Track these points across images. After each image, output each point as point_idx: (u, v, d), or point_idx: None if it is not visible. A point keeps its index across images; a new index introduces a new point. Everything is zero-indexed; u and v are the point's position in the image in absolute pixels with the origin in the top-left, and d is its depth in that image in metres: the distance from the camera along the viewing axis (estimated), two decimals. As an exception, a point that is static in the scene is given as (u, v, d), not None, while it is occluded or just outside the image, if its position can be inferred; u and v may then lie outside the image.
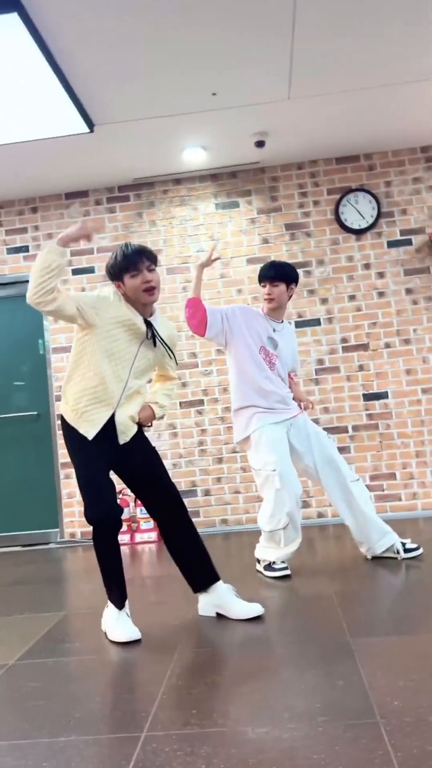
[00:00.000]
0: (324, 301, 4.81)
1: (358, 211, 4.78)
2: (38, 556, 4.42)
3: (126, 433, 2.50)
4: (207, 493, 4.70)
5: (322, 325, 4.79)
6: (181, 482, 4.74)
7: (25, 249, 5.04)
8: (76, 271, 4.98)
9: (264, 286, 3.26)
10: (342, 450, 4.63)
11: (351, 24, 3.19)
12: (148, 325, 2.49)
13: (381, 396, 4.70)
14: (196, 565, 2.58)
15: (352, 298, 4.79)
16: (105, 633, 2.47)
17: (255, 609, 2.50)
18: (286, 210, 4.89)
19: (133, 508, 4.68)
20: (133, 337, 2.46)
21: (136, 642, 2.35)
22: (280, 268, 3.27)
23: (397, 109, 4.16)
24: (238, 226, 4.92)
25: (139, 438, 2.57)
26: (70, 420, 2.47)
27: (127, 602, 2.49)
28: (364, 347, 4.75)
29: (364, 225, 4.78)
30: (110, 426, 2.44)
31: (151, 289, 2.43)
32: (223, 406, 4.79)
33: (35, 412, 4.97)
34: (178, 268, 4.92)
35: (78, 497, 4.79)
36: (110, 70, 3.41)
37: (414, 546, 3.24)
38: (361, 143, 4.67)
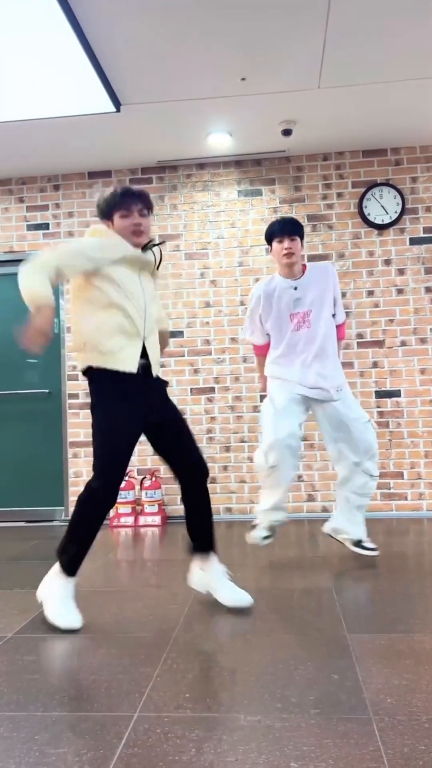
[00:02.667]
0: (342, 295, 4.76)
1: (382, 205, 4.72)
2: (42, 533, 4.45)
3: (156, 365, 2.49)
4: (213, 480, 4.71)
5: (339, 320, 4.75)
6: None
7: (46, 226, 5.04)
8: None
9: (281, 242, 3.19)
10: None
11: (386, 15, 3.13)
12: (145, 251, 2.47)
13: (393, 394, 4.67)
14: (204, 530, 2.56)
15: (370, 293, 4.75)
16: (41, 603, 2.42)
17: (243, 599, 2.50)
18: (309, 201, 4.84)
19: (138, 491, 4.70)
20: (132, 267, 2.42)
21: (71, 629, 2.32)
22: (295, 222, 3.24)
23: (428, 103, 4.09)
24: (259, 214, 4.88)
25: (164, 390, 2.54)
26: (102, 363, 2.36)
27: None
28: (380, 344, 4.71)
29: (387, 220, 4.72)
30: (141, 367, 2.40)
31: (139, 232, 2.40)
32: (234, 394, 4.78)
33: (47, 390, 4.99)
34: (197, 254, 4.89)
35: (85, 476, 4.82)
36: (140, 51, 3.37)
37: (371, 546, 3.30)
38: (389, 137, 4.61)
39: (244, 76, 3.67)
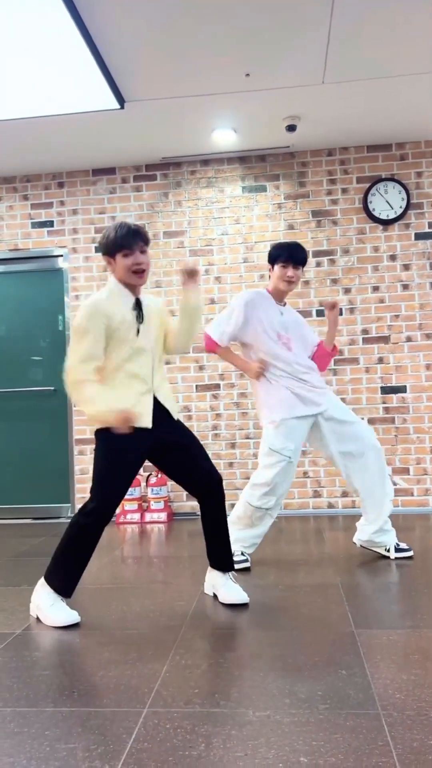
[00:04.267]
0: (347, 290, 4.76)
1: (387, 201, 4.71)
2: (48, 530, 4.47)
3: (173, 408, 2.55)
4: (218, 477, 4.71)
5: (344, 316, 4.75)
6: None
7: (50, 224, 5.04)
8: (98, 249, 4.96)
9: (285, 268, 3.13)
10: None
11: (390, 9, 3.12)
12: (138, 305, 2.47)
13: (399, 390, 4.66)
14: (222, 551, 2.61)
15: (375, 289, 4.74)
16: (37, 618, 2.44)
17: (238, 596, 2.53)
18: (314, 196, 4.83)
19: (143, 488, 4.71)
20: (129, 327, 2.44)
21: (76, 625, 2.35)
22: (305, 252, 3.20)
23: (430, 99, 4.08)
24: (264, 210, 4.87)
25: (175, 420, 2.57)
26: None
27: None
28: (385, 339, 4.71)
29: (392, 215, 4.71)
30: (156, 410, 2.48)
31: (140, 272, 2.42)
32: (239, 391, 4.78)
33: (52, 388, 5.00)
34: (202, 251, 4.89)
35: (90, 473, 4.82)
36: (144, 48, 3.37)
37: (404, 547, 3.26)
38: (393, 132, 4.59)
39: (249, 72, 3.66)
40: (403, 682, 1.75)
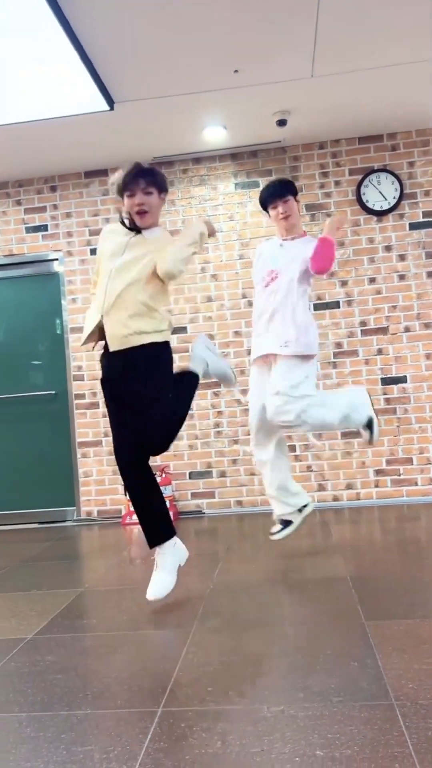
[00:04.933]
0: (344, 283, 4.76)
1: (381, 192, 4.70)
2: (55, 534, 4.47)
3: (114, 340, 2.46)
4: (222, 474, 4.72)
5: (341, 308, 4.75)
6: (197, 463, 4.76)
7: (44, 228, 5.04)
8: (94, 251, 4.96)
9: (275, 207, 3.14)
10: (359, 434, 4.62)
11: (376, 1, 3.11)
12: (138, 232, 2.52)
13: (399, 380, 4.67)
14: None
15: (372, 280, 4.74)
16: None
17: (154, 591, 2.47)
18: (307, 190, 4.82)
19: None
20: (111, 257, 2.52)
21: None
22: (285, 183, 3.18)
23: (423, 87, 4.07)
24: (257, 206, 4.84)
25: (128, 363, 2.46)
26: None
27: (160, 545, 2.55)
28: (384, 331, 4.71)
29: (386, 206, 4.71)
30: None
31: (141, 213, 2.45)
32: (240, 388, 4.78)
33: (53, 392, 5.00)
34: (197, 249, 4.88)
35: (95, 476, 4.84)
36: (131, 47, 3.36)
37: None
38: (384, 122, 4.58)
39: (237, 68, 3.66)
40: (416, 672, 1.76)
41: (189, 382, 2.62)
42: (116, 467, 4.95)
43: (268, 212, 3.24)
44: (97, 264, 2.62)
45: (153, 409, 2.43)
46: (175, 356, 4.72)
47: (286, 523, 3.23)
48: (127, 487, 2.53)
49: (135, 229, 2.55)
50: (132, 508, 4.59)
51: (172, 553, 2.54)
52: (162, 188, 2.54)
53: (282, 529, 3.23)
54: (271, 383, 3.02)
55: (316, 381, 3.16)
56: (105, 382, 2.57)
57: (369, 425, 3.08)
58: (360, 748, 1.40)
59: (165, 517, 2.55)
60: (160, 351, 2.49)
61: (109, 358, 2.52)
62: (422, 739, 1.41)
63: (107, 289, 2.47)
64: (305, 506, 3.23)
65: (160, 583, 2.48)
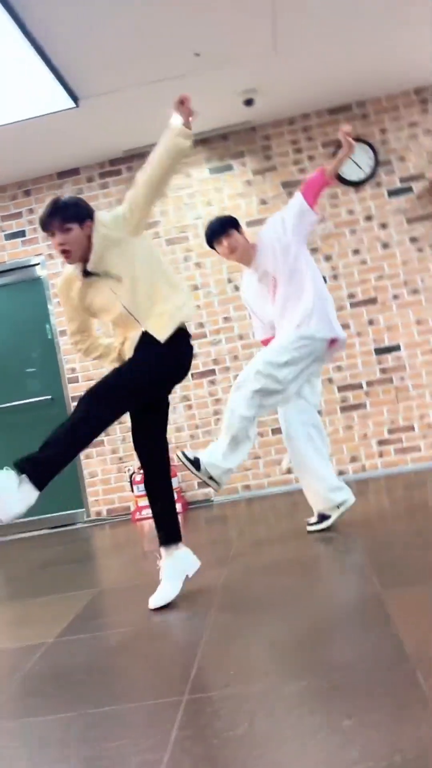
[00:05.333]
0: (328, 258, 4.74)
1: (355, 162, 4.67)
2: (66, 537, 4.48)
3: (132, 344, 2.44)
4: (227, 461, 4.72)
5: (328, 283, 4.71)
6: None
7: (22, 234, 5.00)
8: (75, 252, 4.93)
9: (219, 245, 3.11)
10: (358, 406, 4.63)
11: (332, -35, 3.07)
12: (86, 274, 2.45)
13: (393, 349, 4.66)
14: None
15: (356, 252, 4.72)
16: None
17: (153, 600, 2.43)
18: (282, 168, 4.79)
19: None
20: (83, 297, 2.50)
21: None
22: (221, 221, 3.14)
23: (387, 52, 4.03)
24: (234, 189, 4.84)
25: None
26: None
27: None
28: (373, 301, 4.70)
29: (362, 176, 4.68)
30: None
31: (65, 252, 2.38)
32: (235, 373, 4.77)
33: (49, 397, 4.99)
34: (177, 239, 4.86)
35: (100, 476, 4.84)
36: (90, 41, 3.32)
37: None
38: (352, 91, 4.55)
39: (198, 52, 3.62)
40: (435, 633, 1.77)
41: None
42: (120, 465, 4.96)
43: (216, 250, 3.17)
44: (71, 317, 2.62)
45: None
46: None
47: (323, 517, 3.13)
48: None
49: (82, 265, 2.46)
50: (140, 504, 4.62)
51: (174, 563, 2.50)
52: (81, 218, 2.39)
53: (317, 522, 3.14)
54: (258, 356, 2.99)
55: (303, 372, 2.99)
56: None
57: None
58: (386, 714, 1.40)
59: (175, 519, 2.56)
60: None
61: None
62: (447, 698, 1.42)
63: (127, 305, 2.39)
64: (344, 502, 3.11)
65: (160, 592, 2.44)
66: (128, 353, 2.42)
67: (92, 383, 4.96)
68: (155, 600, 2.42)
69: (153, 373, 2.40)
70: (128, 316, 2.40)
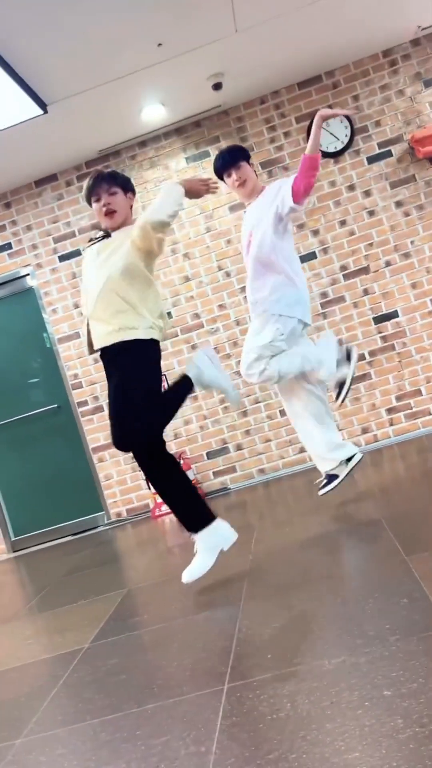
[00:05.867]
0: (315, 233, 4.71)
1: (331, 132, 4.63)
2: (89, 542, 4.51)
3: (99, 339, 2.50)
4: (239, 447, 4.73)
5: (319, 258, 4.71)
6: (211, 442, 4.77)
7: (8, 246, 4.99)
8: (62, 257, 4.92)
9: (229, 176, 3.10)
10: (363, 377, 4.62)
11: None
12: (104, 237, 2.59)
13: (391, 316, 4.64)
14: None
15: (342, 223, 4.69)
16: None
17: (187, 574, 2.48)
18: (258, 148, 4.75)
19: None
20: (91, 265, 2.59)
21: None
22: (233, 150, 3.14)
23: (350, 17, 3.98)
24: (213, 175, 4.79)
25: (114, 360, 2.50)
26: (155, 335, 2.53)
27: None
28: (365, 270, 4.67)
29: (339, 146, 4.64)
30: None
31: (109, 213, 2.53)
32: (236, 360, 4.77)
33: (56, 405, 5.01)
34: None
35: (116, 477, 4.86)
36: (51, 44, 3.29)
37: None
38: (320, 62, 4.49)
39: (160, 42, 3.58)
40: (465, 594, 1.78)
41: (182, 382, 2.64)
42: (134, 464, 4.98)
43: (225, 182, 3.19)
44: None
45: (129, 395, 2.43)
46: (167, 342, 4.73)
47: (331, 477, 3.13)
48: (147, 473, 2.54)
49: (108, 236, 2.61)
50: (159, 500, 4.64)
51: (207, 537, 2.52)
52: (126, 187, 2.59)
53: (326, 483, 3.15)
54: (246, 341, 3.12)
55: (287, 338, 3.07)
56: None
57: (340, 384, 3.10)
58: (425, 680, 1.41)
59: (191, 507, 2.53)
60: (144, 346, 2.47)
61: (101, 358, 2.59)
62: None
63: (89, 291, 2.52)
64: (351, 458, 3.13)
65: (193, 566, 2.48)
66: (96, 342, 2.51)
67: (96, 387, 4.98)
68: (187, 574, 2.46)
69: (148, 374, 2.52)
70: (96, 303, 2.48)
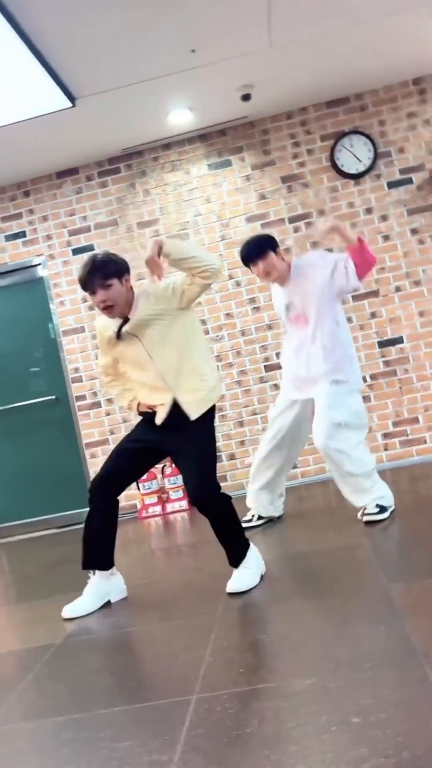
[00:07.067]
0: (329, 251, 4.72)
1: (354, 154, 4.65)
2: (73, 537, 4.48)
3: (191, 407, 2.51)
4: (232, 457, 4.73)
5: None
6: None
7: (23, 234, 5.00)
8: (76, 251, 4.93)
9: (255, 266, 3.13)
10: (362, 399, 4.61)
11: (327, -42, 3.05)
12: (124, 323, 2.50)
13: (396, 341, 4.65)
14: (225, 548, 2.56)
15: (356, 245, 4.69)
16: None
17: (233, 585, 2.45)
18: (281, 162, 4.77)
19: (161, 480, 4.73)
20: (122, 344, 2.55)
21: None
22: (258, 242, 3.17)
23: (383, 43, 4.00)
24: (233, 184, 4.82)
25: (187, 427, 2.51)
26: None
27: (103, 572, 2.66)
28: (375, 294, 4.68)
29: (361, 168, 4.66)
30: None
31: (107, 308, 2.45)
32: (239, 369, 4.78)
33: (54, 396, 5.00)
34: (178, 235, 4.85)
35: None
36: (85, 40, 3.31)
37: None
38: (350, 83, 4.52)
39: (194, 48, 3.60)
40: (442, 628, 1.77)
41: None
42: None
43: (250, 269, 3.21)
44: (102, 362, 2.71)
45: (210, 462, 2.53)
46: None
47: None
48: (213, 525, 2.55)
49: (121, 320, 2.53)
50: (146, 502, 4.63)
51: (256, 561, 2.55)
52: (121, 274, 2.47)
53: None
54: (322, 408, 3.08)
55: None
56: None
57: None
58: (394, 710, 1.41)
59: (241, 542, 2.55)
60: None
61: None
62: (454, 694, 1.42)
63: (164, 371, 2.48)
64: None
65: (243, 579, 2.46)
66: (160, 417, 2.50)
67: (95, 382, 4.98)
68: (234, 586, 2.44)
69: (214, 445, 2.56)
70: (157, 380, 2.49)
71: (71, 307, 4.93)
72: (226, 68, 3.90)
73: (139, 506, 4.71)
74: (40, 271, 5.01)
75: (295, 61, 4.01)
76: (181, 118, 4.47)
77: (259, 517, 3.42)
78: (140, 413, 2.61)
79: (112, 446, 4.82)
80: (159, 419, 2.50)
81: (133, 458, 2.61)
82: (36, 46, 3.26)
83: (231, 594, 2.42)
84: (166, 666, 1.92)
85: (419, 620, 1.86)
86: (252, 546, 2.56)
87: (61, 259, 4.96)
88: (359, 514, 3.11)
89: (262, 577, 2.54)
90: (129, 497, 4.82)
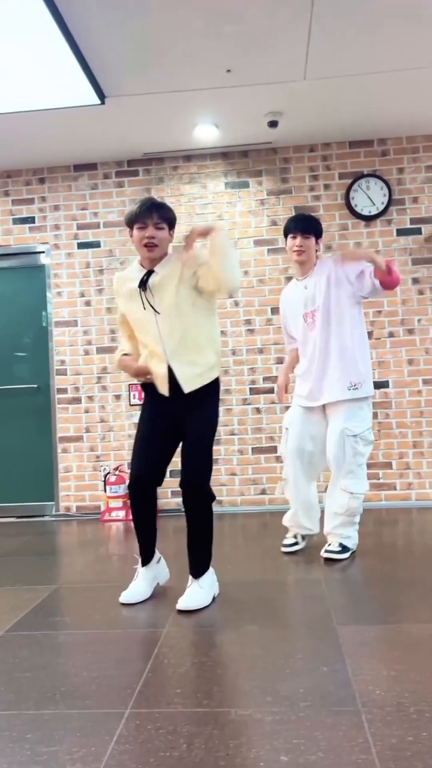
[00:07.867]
0: (330, 286, 4.76)
1: (369, 197, 4.72)
2: (33, 529, 4.45)
3: (187, 382, 2.48)
4: (203, 473, 4.71)
5: (327, 311, 4.75)
6: (177, 461, 4.74)
7: (32, 220, 5.00)
8: (81, 245, 4.94)
9: (294, 238, 3.12)
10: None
11: (370, 6, 3.11)
12: (148, 275, 2.50)
13: (382, 385, 4.69)
14: (189, 551, 2.56)
15: (358, 285, 4.74)
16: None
17: (185, 602, 2.45)
18: (296, 192, 4.83)
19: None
20: (138, 300, 2.53)
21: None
22: (310, 220, 3.18)
23: (414, 94, 4.08)
24: (246, 206, 4.87)
25: (195, 401, 2.51)
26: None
27: (150, 562, 2.67)
28: (368, 335, 4.71)
29: (374, 211, 4.72)
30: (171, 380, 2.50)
31: (150, 246, 2.47)
32: (223, 387, 4.78)
33: (35, 385, 4.97)
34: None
35: (75, 471, 4.81)
36: (124, 43, 3.34)
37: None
38: (375, 128, 4.60)
39: (230, 68, 3.65)
40: (384, 678, 1.77)
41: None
42: (96, 463, 4.95)
43: (286, 240, 3.21)
44: (120, 315, 2.69)
45: (208, 441, 2.56)
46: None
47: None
48: (189, 517, 2.60)
49: (146, 270, 2.52)
50: (111, 505, 4.60)
51: (210, 582, 2.56)
52: (172, 225, 2.55)
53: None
54: (338, 424, 3.09)
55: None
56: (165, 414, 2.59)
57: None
58: (324, 754, 1.40)
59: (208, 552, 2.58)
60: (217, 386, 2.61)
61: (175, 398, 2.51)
62: (386, 746, 1.42)
63: (163, 336, 2.47)
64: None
65: (195, 596, 2.46)
66: (160, 388, 2.51)
67: (80, 377, 4.96)
68: (186, 602, 2.45)
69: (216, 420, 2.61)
70: (157, 344, 2.49)
71: (68, 299, 4.92)
72: (258, 93, 3.96)
73: (103, 508, 4.67)
74: (43, 259, 5.00)
75: (326, 98, 4.07)
76: (206, 133, 4.51)
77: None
78: (142, 386, 2.64)
79: (86, 443, 4.80)
80: (163, 390, 2.50)
81: (159, 443, 2.60)
82: (76, 41, 3.28)
83: (180, 611, 2.41)
84: (104, 674, 1.89)
85: (363, 665, 1.86)
86: (210, 567, 2.55)
87: (65, 250, 4.96)
88: (322, 551, 3.12)
89: (214, 598, 2.54)
90: (94, 497, 4.78)
